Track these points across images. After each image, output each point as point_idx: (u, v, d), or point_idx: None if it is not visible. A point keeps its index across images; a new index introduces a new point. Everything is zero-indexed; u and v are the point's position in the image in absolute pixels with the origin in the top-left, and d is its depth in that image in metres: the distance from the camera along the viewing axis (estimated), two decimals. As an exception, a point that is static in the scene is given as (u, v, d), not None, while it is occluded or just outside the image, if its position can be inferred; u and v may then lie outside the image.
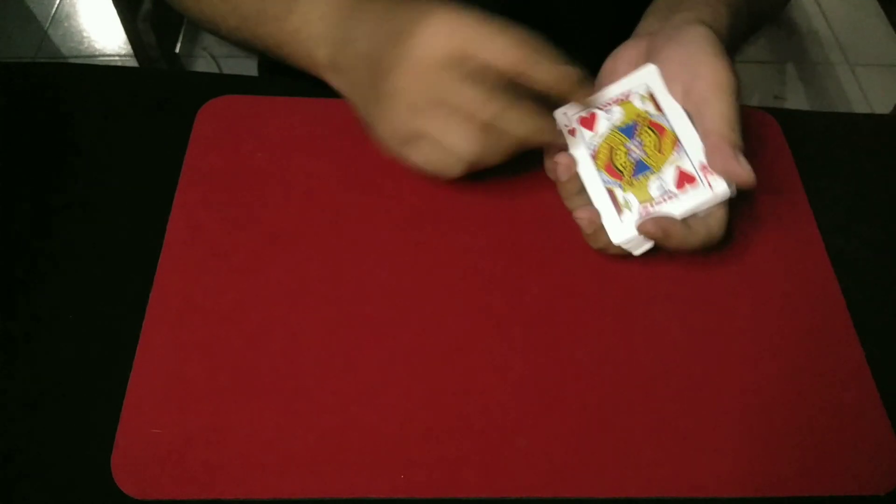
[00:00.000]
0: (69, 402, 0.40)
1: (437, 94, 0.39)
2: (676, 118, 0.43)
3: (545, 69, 0.39)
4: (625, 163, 0.43)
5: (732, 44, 0.47)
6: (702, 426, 0.41)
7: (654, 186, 0.42)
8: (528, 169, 0.47)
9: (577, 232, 0.45)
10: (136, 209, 0.47)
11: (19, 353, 0.42)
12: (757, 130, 0.53)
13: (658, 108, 0.43)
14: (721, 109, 0.41)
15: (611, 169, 0.43)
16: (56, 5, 1.63)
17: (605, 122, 0.44)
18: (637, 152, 0.43)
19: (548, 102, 0.43)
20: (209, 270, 0.44)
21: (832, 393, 0.42)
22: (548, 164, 0.45)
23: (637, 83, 0.44)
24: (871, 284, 0.47)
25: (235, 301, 0.43)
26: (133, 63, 1.40)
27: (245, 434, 0.39)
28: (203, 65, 1.51)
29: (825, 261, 0.48)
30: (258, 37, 0.49)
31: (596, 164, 0.44)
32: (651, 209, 0.42)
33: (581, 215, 0.44)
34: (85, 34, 1.59)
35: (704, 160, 0.41)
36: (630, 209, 0.42)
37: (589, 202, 0.44)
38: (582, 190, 0.44)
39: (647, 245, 0.43)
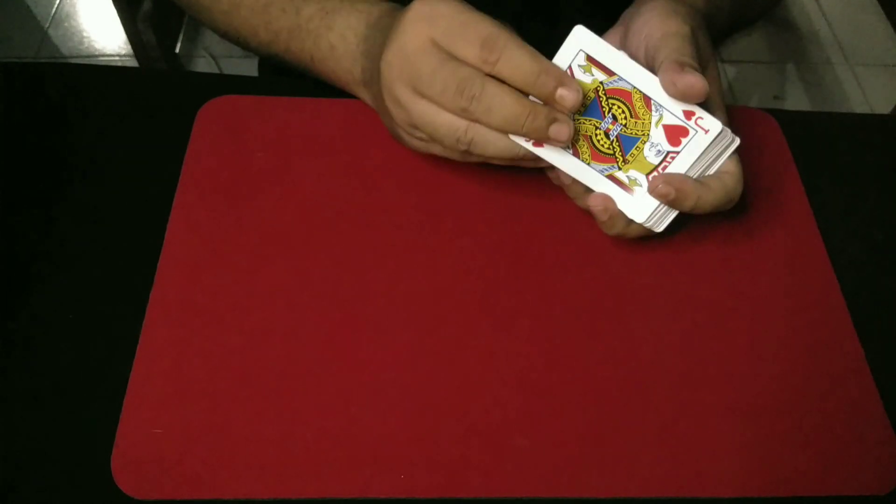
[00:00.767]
0: (69, 402, 0.40)
1: (415, 81, 0.39)
2: (630, 72, 0.40)
3: (513, 65, 0.37)
4: (609, 145, 0.41)
5: (713, 14, 0.47)
6: (702, 426, 0.41)
7: (650, 154, 0.41)
8: (528, 169, 0.47)
9: (578, 231, 0.45)
10: (136, 209, 0.47)
11: (19, 353, 0.42)
12: (757, 130, 0.53)
13: (606, 70, 0.40)
14: (673, 45, 0.40)
15: (599, 157, 0.41)
16: (56, 5, 1.63)
17: (576, 94, 0.40)
18: (615, 129, 0.41)
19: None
20: (209, 270, 0.44)
21: (832, 393, 0.42)
22: (549, 172, 0.45)
23: (569, 54, 0.40)
24: (871, 284, 0.47)
25: (235, 301, 0.43)
26: (133, 63, 1.40)
27: (245, 434, 0.39)
28: (203, 65, 1.51)
29: (825, 261, 0.48)
30: (291, 52, 0.48)
31: (583, 160, 0.42)
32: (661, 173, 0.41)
33: (594, 202, 0.42)
34: (85, 34, 1.59)
35: (685, 106, 0.39)
36: (640, 184, 0.41)
37: None
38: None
39: (670, 217, 0.42)
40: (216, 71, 1.49)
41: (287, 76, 0.54)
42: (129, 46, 1.29)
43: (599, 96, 0.40)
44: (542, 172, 0.46)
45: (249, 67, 0.78)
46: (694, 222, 0.47)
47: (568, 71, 0.40)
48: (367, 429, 0.39)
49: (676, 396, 0.42)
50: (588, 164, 0.42)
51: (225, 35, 0.53)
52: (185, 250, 0.45)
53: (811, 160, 0.52)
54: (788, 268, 0.47)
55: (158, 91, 0.54)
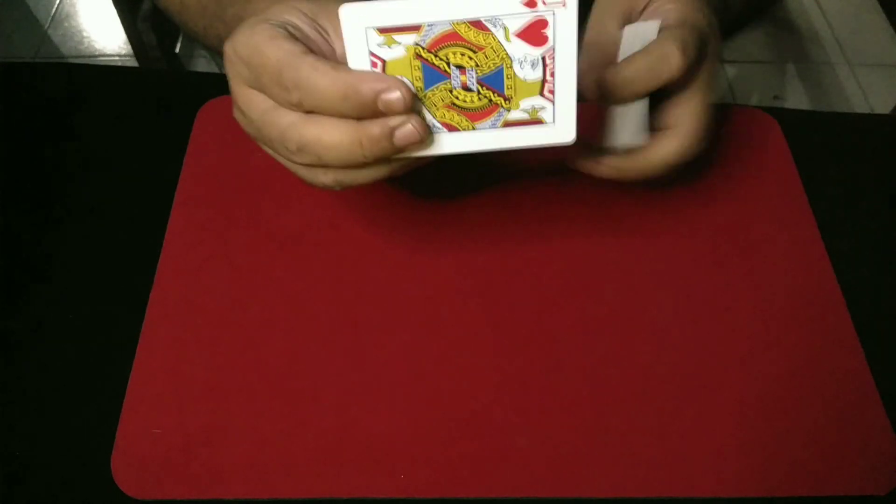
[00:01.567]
0: (69, 402, 0.40)
1: (255, 135, 0.35)
2: (434, 11, 0.31)
3: (315, 98, 0.31)
4: (478, 96, 0.33)
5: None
6: (702, 426, 0.41)
7: (526, 72, 0.33)
8: (526, 169, 0.47)
9: (578, 231, 0.45)
10: (136, 209, 0.47)
11: (19, 353, 0.42)
12: (757, 130, 0.53)
13: (409, 29, 0.31)
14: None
15: (477, 115, 0.33)
16: (56, 5, 1.63)
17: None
18: (470, 77, 0.33)
19: None
20: (209, 270, 0.44)
21: (832, 393, 0.42)
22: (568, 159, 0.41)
23: (358, 43, 0.31)
24: (871, 284, 0.47)
25: (235, 301, 0.43)
26: (133, 63, 1.40)
27: (245, 434, 0.39)
28: (203, 65, 1.51)
29: (825, 261, 0.48)
30: (228, 25, 0.44)
31: (464, 129, 0.34)
32: (554, 80, 0.33)
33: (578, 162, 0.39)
34: (85, 34, 1.59)
35: None
36: (546, 109, 0.33)
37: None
38: None
39: (629, 118, 0.37)
40: (216, 71, 1.49)
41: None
42: (129, 46, 1.29)
43: (425, 58, 0.32)
44: (542, 171, 0.46)
45: (249, 67, 0.78)
46: (694, 222, 0.47)
47: (371, 62, 0.32)
48: (367, 429, 0.39)
49: (676, 396, 0.42)
50: (473, 129, 0.34)
51: (186, 32, 0.52)
52: (186, 250, 0.45)
53: (811, 160, 0.52)
54: (788, 268, 0.47)
55: (158, 91, 0.54)
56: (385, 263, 0.45)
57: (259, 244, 0.45)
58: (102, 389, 0.40)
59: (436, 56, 0.32)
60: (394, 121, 0.31)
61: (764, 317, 0.45)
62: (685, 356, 0.43)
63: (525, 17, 0.32)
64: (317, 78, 0.31)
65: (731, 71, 1.55)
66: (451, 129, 0.34)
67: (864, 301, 0.46)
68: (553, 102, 0.33)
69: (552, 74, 0.33)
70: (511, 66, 0.32)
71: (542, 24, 0.32)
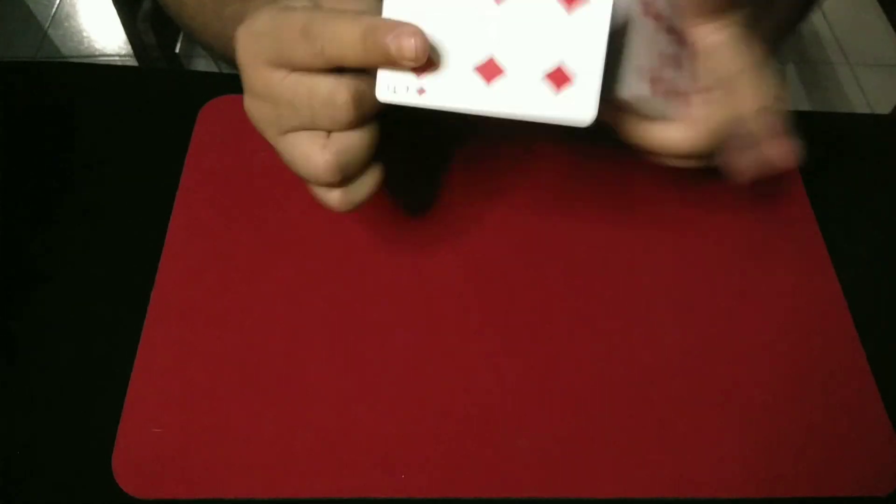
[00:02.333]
0: (69, 401, 0.40)
1: (278, 121, 0.35)
2: None
3: (337, 42, 0.31)
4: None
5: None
6: (702, 426, 0.41)
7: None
8: (527, 169, 0.47)
9: (578, 231, 0.45)
10: (137, 209, 0.47)
11: (19, 353, 0.42)
12: (757, 130, 0.53)
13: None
14: None
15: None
16: (56, 5, 1.63)
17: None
18: None
19: None
20: (210, 270, 0.44)
21: (832, 393, 0.42)
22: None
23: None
24: (871, 284, 0.47)
25: (236, 300, 0.43)
26: (133, 63, 1.40)
27: (245, 434, 0.39)
28: (203, 65, 1.51)
29: (826, 261, 0.48)
30: (227, 28, 0.45)
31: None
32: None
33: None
34: (85, 34, 1.59)
35: None
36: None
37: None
38: None
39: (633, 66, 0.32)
40: (216, 71, 1.49)
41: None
42: (129, 46, 1.29)
43: None
44: (542, 172, 0.46)
45: (250, 67, 0.78)
46: (694, 223, 0.47)
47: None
48: (367, 429, 0.39)
49: (676, 396, 0.42)
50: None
51: (191, 34, 0.51)
52: (187, 250, 0.45)
53: (811, 160, 0.52)
54: (789, 267, 0.47)
55: (158, 91, 0.54)
56: (385, 263, 0.45)
57: (260, 244, 0.45)
58: (103, 389, 0.40)
59: None
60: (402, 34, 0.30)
61: (765, 317, 0.45)
62: (685, 356, 0.43)
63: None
64: (337, 22, 0.31)
65: (731, 71, 1.55)
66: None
67: (865, 301, 0.46)
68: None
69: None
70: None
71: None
